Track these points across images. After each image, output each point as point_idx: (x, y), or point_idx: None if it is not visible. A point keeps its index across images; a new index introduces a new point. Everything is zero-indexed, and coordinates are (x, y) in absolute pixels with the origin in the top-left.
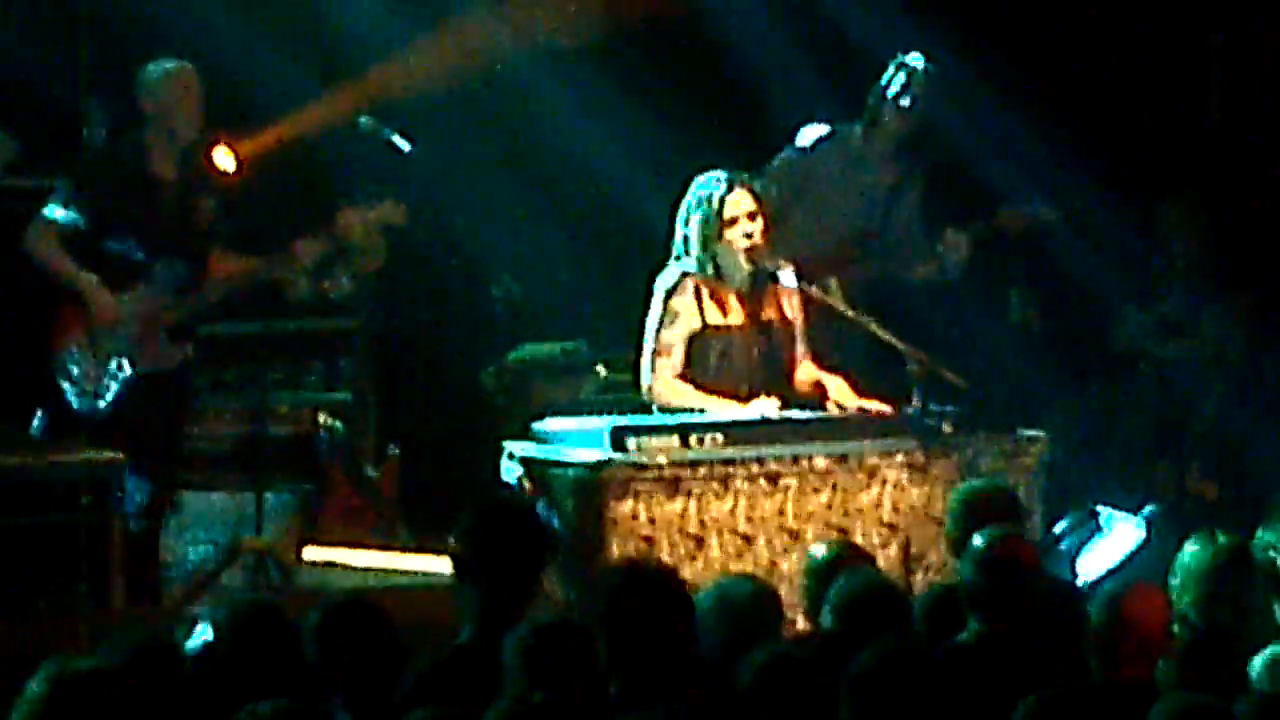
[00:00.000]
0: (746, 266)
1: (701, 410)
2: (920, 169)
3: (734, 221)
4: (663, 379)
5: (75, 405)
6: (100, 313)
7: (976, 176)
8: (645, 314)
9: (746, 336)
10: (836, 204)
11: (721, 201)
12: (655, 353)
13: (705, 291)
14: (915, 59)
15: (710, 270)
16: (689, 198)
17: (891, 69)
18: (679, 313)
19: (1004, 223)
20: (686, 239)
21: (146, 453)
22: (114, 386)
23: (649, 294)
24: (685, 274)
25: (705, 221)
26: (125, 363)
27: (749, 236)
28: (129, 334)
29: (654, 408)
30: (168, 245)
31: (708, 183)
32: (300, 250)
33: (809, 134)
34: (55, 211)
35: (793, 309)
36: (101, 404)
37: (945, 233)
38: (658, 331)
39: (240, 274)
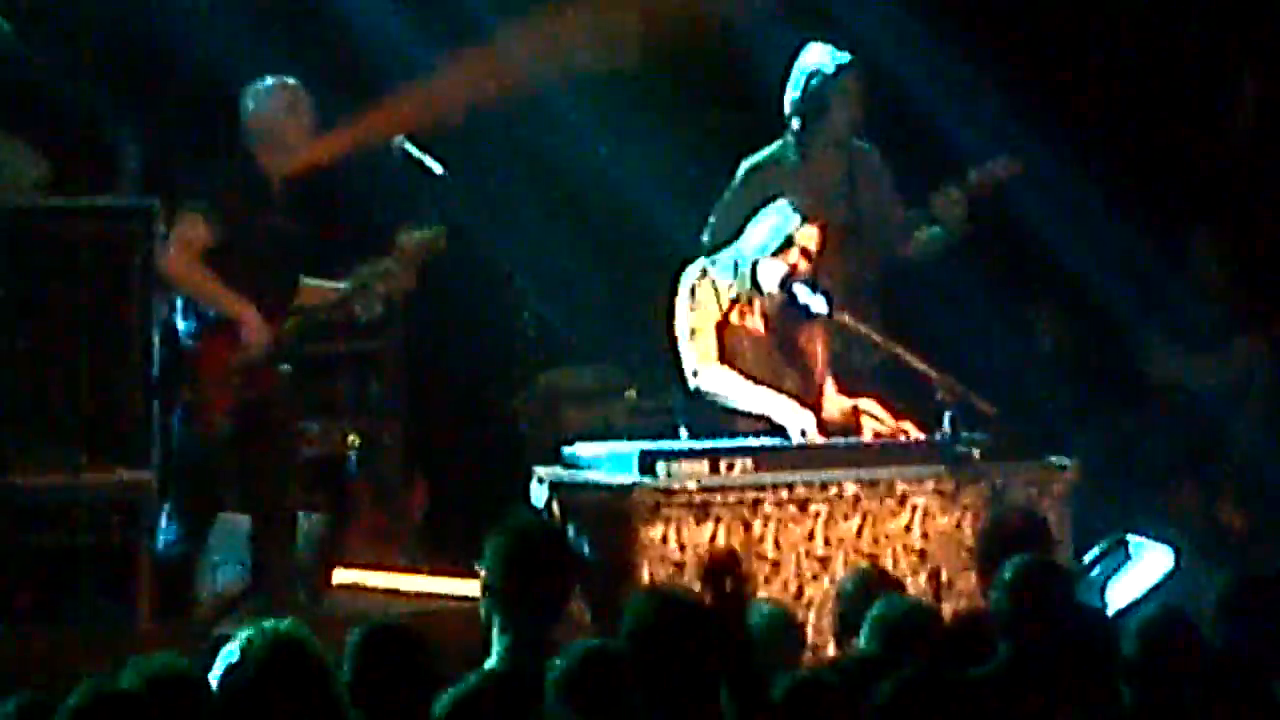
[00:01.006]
0: (776, 292)
1: (742, 401)
2: (872, 153)
3: (790, 250)
4: (704, 361)
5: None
6: (252, 335)
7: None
8: (672, 304)
9: (770, 346)
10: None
11: (794, 228)
12: (690, 335)
13: (731, 292)
14: (824, 65)
15: (747, 285)
16: (763, 217)
17: (803, 76)
18: (701, 301)
19: (978, 180)
20: (740, 249)
21: (253, 477)
22: (232, 416)
23: (675, 283)
24: (709, 269)
25: (771, 236)
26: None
27: (793, 267)
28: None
29: (694, 389)
30: (273, 268)
31: (785, 207)
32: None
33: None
34: (191, 231)
35: (819, 341)
36: (226, 433)
37: (933, 195)
38: (688, 315)
39: (331, 297)
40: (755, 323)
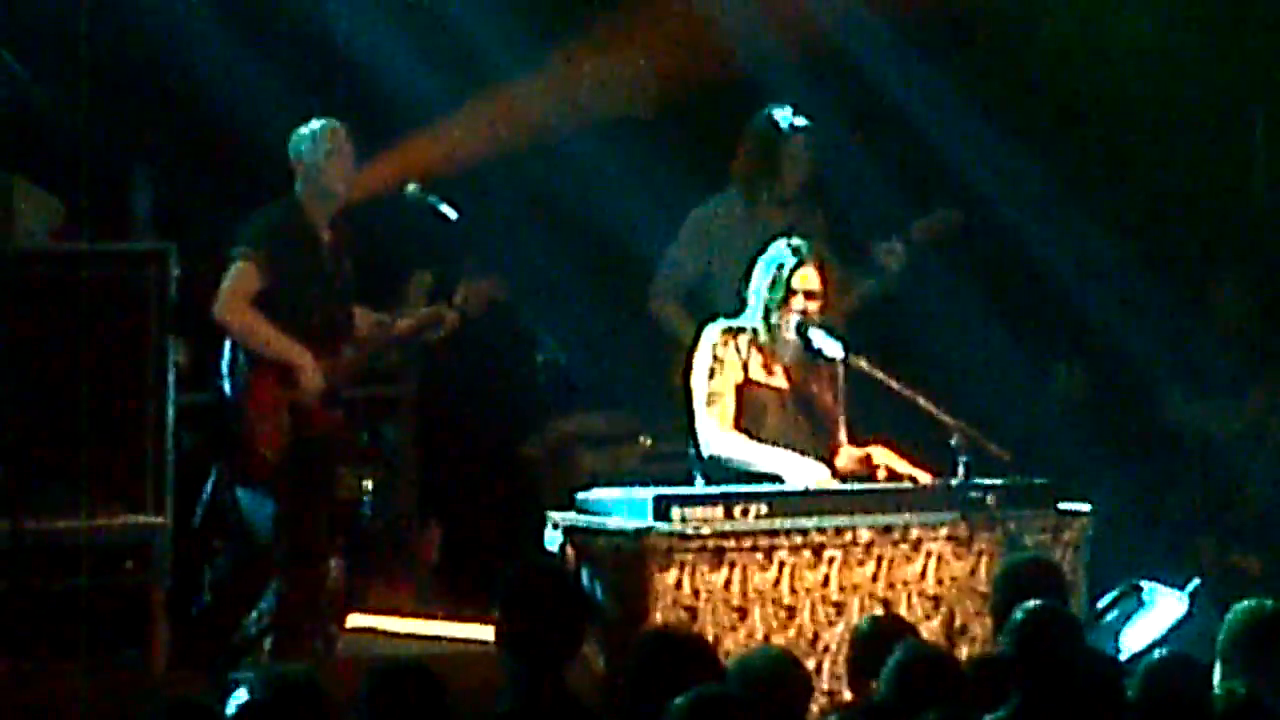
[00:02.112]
0: (793, 337)
1: (755, 464)
2: (815, 209)
3: (795, 295)
4: (717, 428)
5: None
6: (309, 382)
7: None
8: (690, 368)
9: (789, 401)
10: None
11: (791, 273)
12: (707, 401)
13: (754, 349)
14: (786, 118)
15: (765, 336)
16: (761, 264)
17: (758, 134)
18: (724, 361)
19: (926, 229)
20: (747, 301)
21: (294, 517)
22: (284, 452)
23: (694, 347)
24: (732, 328)
25: (772, 286)
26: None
27: (803, 313)
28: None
29: (708, 457)
30: (326, 306)
31: (781, 253)
32: (448, 319)
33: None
34: (242, 278)
35: (837, 392)
36: (275, 467)
37: (875, 246)
38: (706, 380)
39: (381, 339)
40: (778, 379)
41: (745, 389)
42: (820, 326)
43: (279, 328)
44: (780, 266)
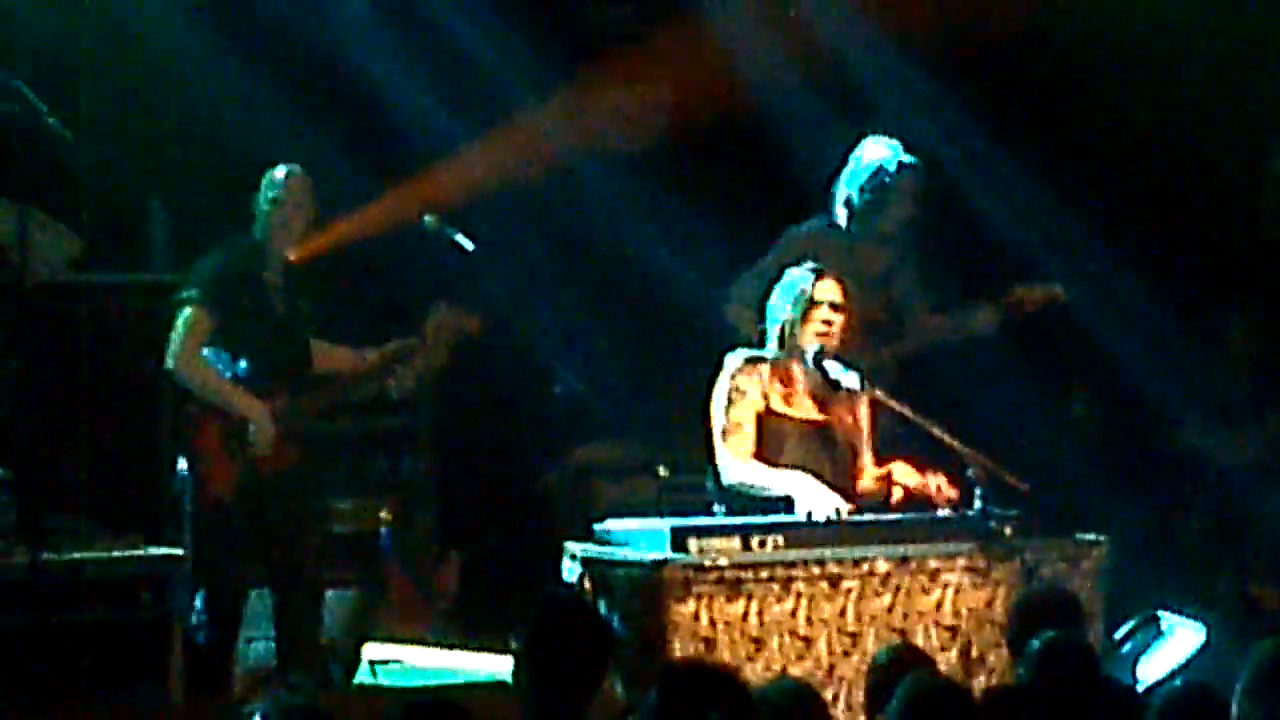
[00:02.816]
0: (812, 350)
1: (770, 488)
2: (911, 252)
3: (818, 306)
4: (735, 457)
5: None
6: (261, 436)
7: (998, 255)
8: (710, 397)
9: (811, 431)
10: None
11: (812, 285)
12: (725, 431)
13: (775, 379)
14: (888, 162)
15: (784, 364)
16: (778, 291)
17: (867, 171)
18: (745, 391)
19: (1018, 297)
20: (765, 333)
21: (267, 555)
22: (238, 490)
23: (714, 376)
24: (753, 357)
25: (794, 303)
26: (248, 466)
27: (827, 324)
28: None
29: (726, 486)
30: (279, 347)
31: (799, 276)
32: (408, 351)
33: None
34: (192, 326)
35: (861, 417)
36: (232, 506)
37: (974, 306)
38: (726, 410)
39: (350, 374)
40: (798, 409)
41: (766, 419)
42: (835, 359)
43: (241, 390)
44: (798, 285)
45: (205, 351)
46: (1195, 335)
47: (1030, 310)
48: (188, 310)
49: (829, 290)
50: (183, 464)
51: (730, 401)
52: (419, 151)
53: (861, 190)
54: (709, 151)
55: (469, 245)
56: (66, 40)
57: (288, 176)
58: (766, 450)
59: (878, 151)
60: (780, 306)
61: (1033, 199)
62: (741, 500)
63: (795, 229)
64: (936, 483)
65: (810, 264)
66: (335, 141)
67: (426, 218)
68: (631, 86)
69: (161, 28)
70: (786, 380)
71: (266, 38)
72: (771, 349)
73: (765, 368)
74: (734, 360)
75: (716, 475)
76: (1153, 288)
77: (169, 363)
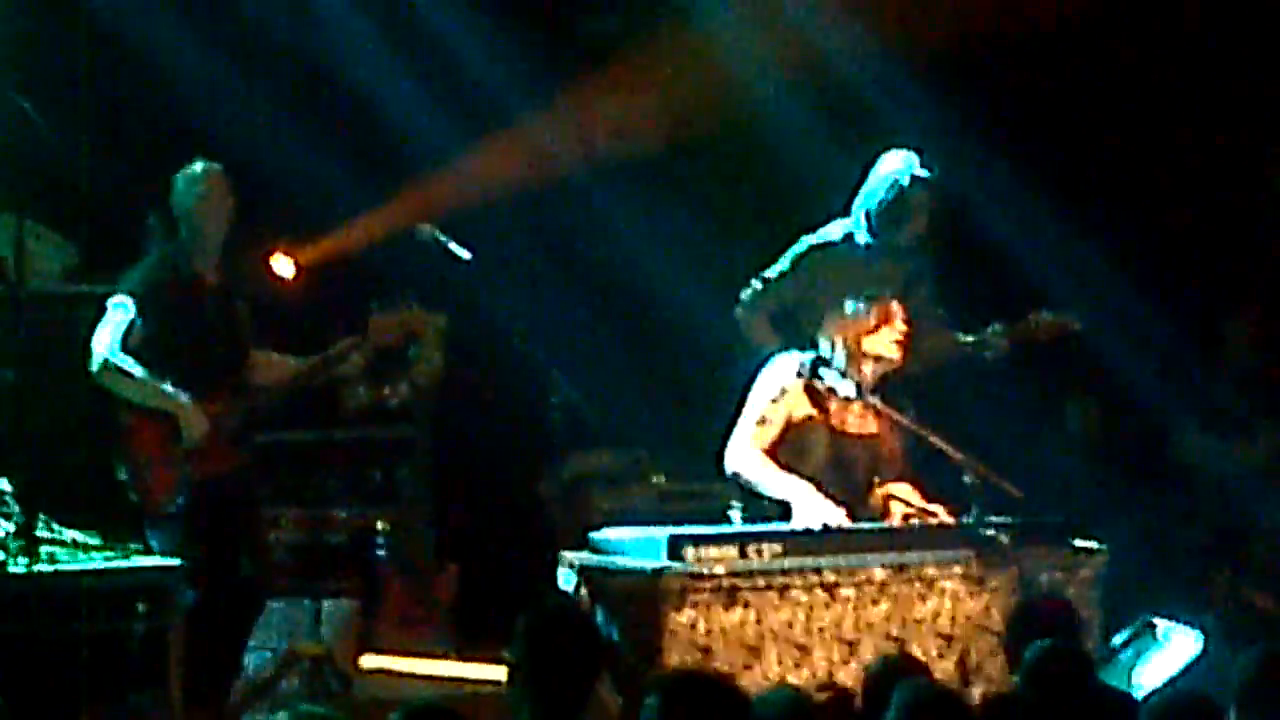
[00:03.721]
0: (856, 381)
1: (767, 487)
2: (926, 269)
3: (890, 323)
4: (751, 446)
5: (144, 513)
6: (193, 429)
7: (1015, 279)
8: (749, 384)
9: (845, 441)
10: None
11: (889, 305)
12: (753, 420)
13: (817, 388)
14: (903, 176)
15: (830, 377)
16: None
17: (884, 183)
18: (788, 393)
19: (1034, 326)
20: (832, 333)
21: (214, 559)
22: (185, 493)
23: (760, 368)
24: (806, 363)
25: (868, 313)
26: (187, 471)
27: (896, 345)
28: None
29: (726, 468)
30: (212, 349)
31: (852, 304)
32: (343, 352)
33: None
34: (120, 319)
35: (895, 434)
36: (175, 511)
37: (988, 331)
38: (766, 402)
39: (288, 376)
40: (836, 419)
41: (791, 427)
42: (827, 367)
43: (158, 375)
44: (859, 310)
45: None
46: (1193, 344)
47: (1043, 340)
48: (109, 314)
49: (883, 345)
50: (122, 474)
51: (771, 398)
52: (415, 161)
53: (879, 203)
54: (704, 159)
55: (465, 255)
56: (66, 52)
57: (205, 172)
58: (787, 453)
59: (893, 164)
60: (856, 308)
61: (1031, 209)
62: (757, 503)
63: (809, 238)
64: (933, 509)
65: (857, 298)
66: (332, 152)
67: (422, 227)
68: (626, 95)
69: (160, 39)
70: (830, 395)
71: (264, 49)
72: (833, 358)
73: (815, 378)
74: (790, 362)
75: (722, 456)
76: (1151, 297)
77: (92, 366)
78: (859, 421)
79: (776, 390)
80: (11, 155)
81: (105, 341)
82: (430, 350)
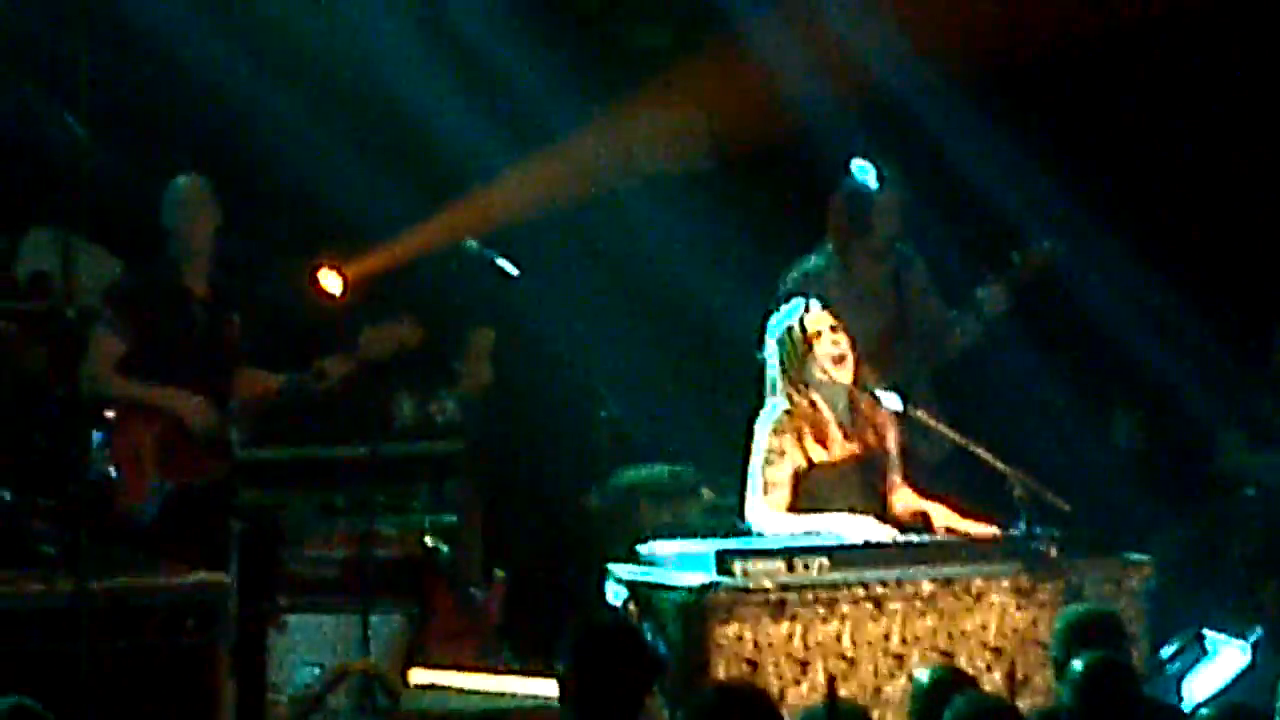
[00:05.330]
0: (843, 379)
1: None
2: (914, 255)
3: (818, 335)
4: (770, 516)
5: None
6: (192, 416)
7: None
8: (748, 451)
9: (848, 469)
10: (853, 312)
11: (801, 320)
12: (763, 490)
13: (806, 428)
14: (865, 183)
15: (806, 403)
16: (768, 338)
17: (844, 194)
18: (784, 451)
19: (1025, 263)
20: (774, 381)
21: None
22: (157, 501)
23: (750, 433)
24: (787, 412)
25: (791, 344)
26: (165, 481)
27: (836, 345)
28: (170, 450)
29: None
30: (200, 359)
31: (783, 315)
32: (328, 369)
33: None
34: (102, 347)
35: (890, 436)
36: (145, 519)
37: (977, 293)
38: (763, 469)
39: (270, 390)
40: (833, 449)
41: (809, 473)
42: (871, 385)
43: (153, 383)
44: (788, 325)
45: None
46: (1240, 355)
47: (1036, 271)
48: (97, 334)
49: (820, 318)
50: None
51: (768, 462)
52: (462, 176)
53: (847, 215)
54: (751, 172)
55: (512, 270)
56: (114, 70)
57: (187, 185)
58: (806, 500)
59: (854, 175)
60: (779, 354)
61: (1074, 219)
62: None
63: (792, 270)
64: (977, 528)
65: (789, 301)
66: (379, 167)
67: (469, 242)
68: (672, 108)
69: (211, 56)
70: (817, 424)
71: (313, 66)
72: (786, 397)
73: (798, 418)
74: (770, 416)
75: (749, 525)
76: (1196, 307)
77: (86, 388)
78: (843, 442)
79: (772, 454)
80: (59, 171)
81: (94, 361)
82: (478, 365)
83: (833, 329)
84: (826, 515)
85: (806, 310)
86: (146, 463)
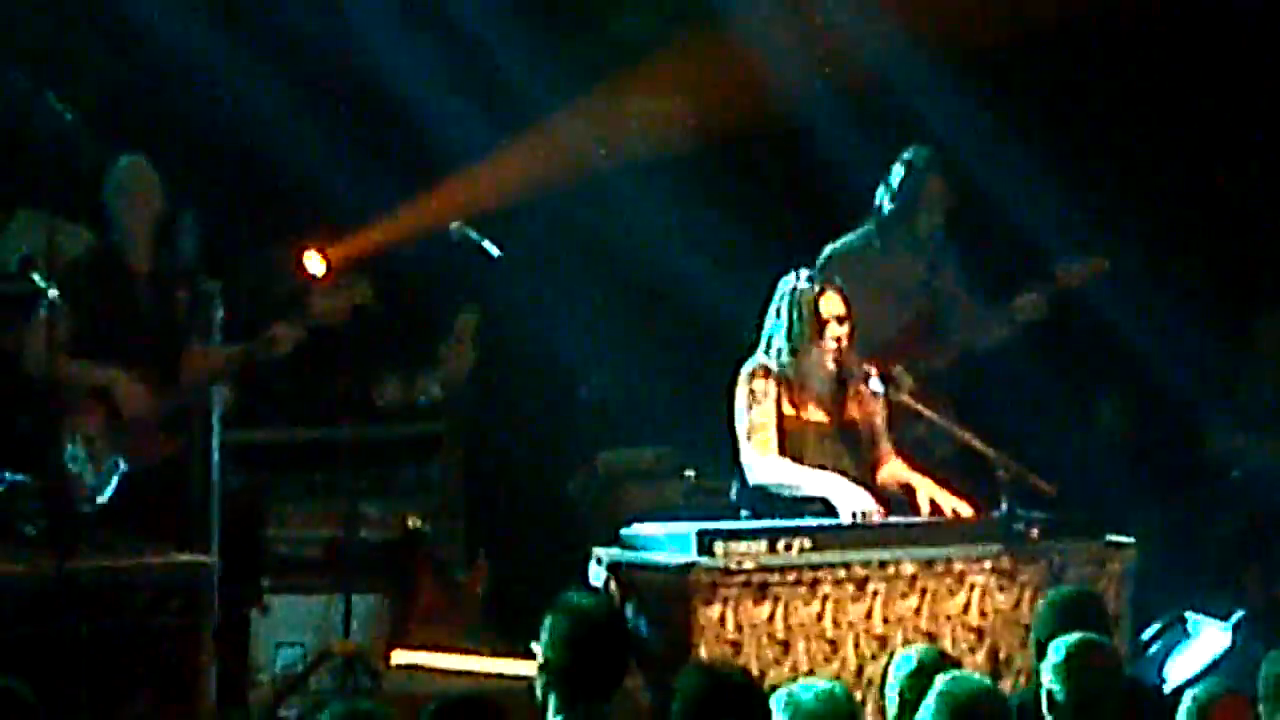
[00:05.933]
0: (831, 368)
1: (801, 488)
2: (951, 248)
3: (826, 323)
4: (759, 455)
5: (75, 500)
6: (129, 403)
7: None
8: (731, 403)
9: (826, 434)
10: (882, 297)
11: (815, 303)
12: (750, 432)
13: (782, 387)
14: (915, 153)
15: (793, 373)
16: (780, 297)
17: (897, 177)
18: (767, 393)
19: (1063, 279)
20: (771, 338)
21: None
22: (112, 482)
23: (734, 383)
24: (766, 365)
25: (799, 321)
26: (120, 459)
27: (838, 340)
28: (121, 430)
29: (754, 486)
30: (145, 337)
31: (800, 283)
32: (278, 334)
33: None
34: (44, 330)
35: (874, 409)
36: (101, 499)
37: (1018, 299)
38: (748, 411)
39: (221, 363)
40: (812, 414)
41: (784, 423)
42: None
43: (97, 365)
44: (802, 300)
45: None
46: (1225, 340)
47: (1077, 286)
48: (42, 313)
49: (834, 304)
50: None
51: (752, 404)
52: (447, 159)
53: (894, 199)
54: (735, 157)
55: (496, 251)
56: (97, 54)
57: (130, 166)
58: (788, 454)
59: (907, 158)
60: (785, 320)
61: (1064, 206)
62: (767, 503)
63: (829, 247)
64: (960, 505)
65: (806, 273)
66: (364, 150)
67: (454, 224)
68: (658, 93)
69: (193, 40)
70: (796, 387)
71: (296, 48)
72: (778, 359)
73: (777, 376)
74: (749, 367)
75: (743, 476)
76: (1182, 291)
77: (27, 366)
78: (823, 414)
79: (749, 396)
80: (44, 155)
81: (37, 342)
82: (461, 347)
83: (839, 320)
84: (819, 472)
85: (823, 291)
86: (99, 443)
